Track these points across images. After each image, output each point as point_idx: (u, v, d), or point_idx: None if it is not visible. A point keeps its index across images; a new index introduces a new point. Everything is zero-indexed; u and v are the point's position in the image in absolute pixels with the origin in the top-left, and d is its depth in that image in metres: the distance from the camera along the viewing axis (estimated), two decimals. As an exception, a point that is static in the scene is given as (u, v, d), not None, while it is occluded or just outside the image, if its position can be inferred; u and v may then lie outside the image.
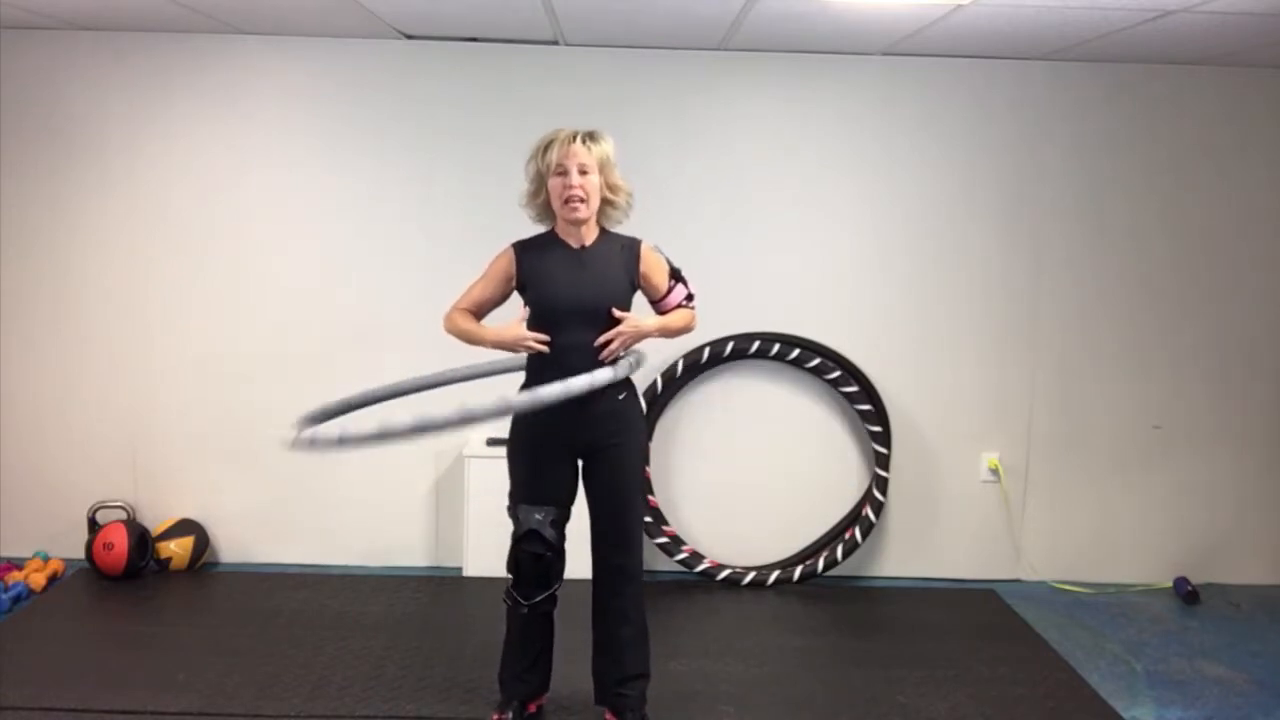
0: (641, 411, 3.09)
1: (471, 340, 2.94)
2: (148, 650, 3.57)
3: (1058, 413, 4.42)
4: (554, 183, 2.84)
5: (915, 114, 4.26)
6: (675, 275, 3.02)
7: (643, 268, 2.96)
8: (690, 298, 3.04)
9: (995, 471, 4.43)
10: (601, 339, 2.85)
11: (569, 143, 2.82)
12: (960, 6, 3.32)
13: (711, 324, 4.22)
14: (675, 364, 4.26)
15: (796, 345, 4.30)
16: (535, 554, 2.90)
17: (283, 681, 3.36)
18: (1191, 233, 4.34)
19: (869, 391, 4.32)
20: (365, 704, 3.23)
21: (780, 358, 4.31)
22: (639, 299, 3.02)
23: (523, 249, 2.95)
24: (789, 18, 3.59)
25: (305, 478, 4.38)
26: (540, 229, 3.01)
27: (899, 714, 3.27)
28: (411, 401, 3.20)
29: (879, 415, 4.32)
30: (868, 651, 3.73)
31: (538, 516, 2.90)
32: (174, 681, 3.32)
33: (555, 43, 4.15)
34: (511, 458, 3.01)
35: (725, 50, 4.20)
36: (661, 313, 3.02)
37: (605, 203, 2.92)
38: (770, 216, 4.31)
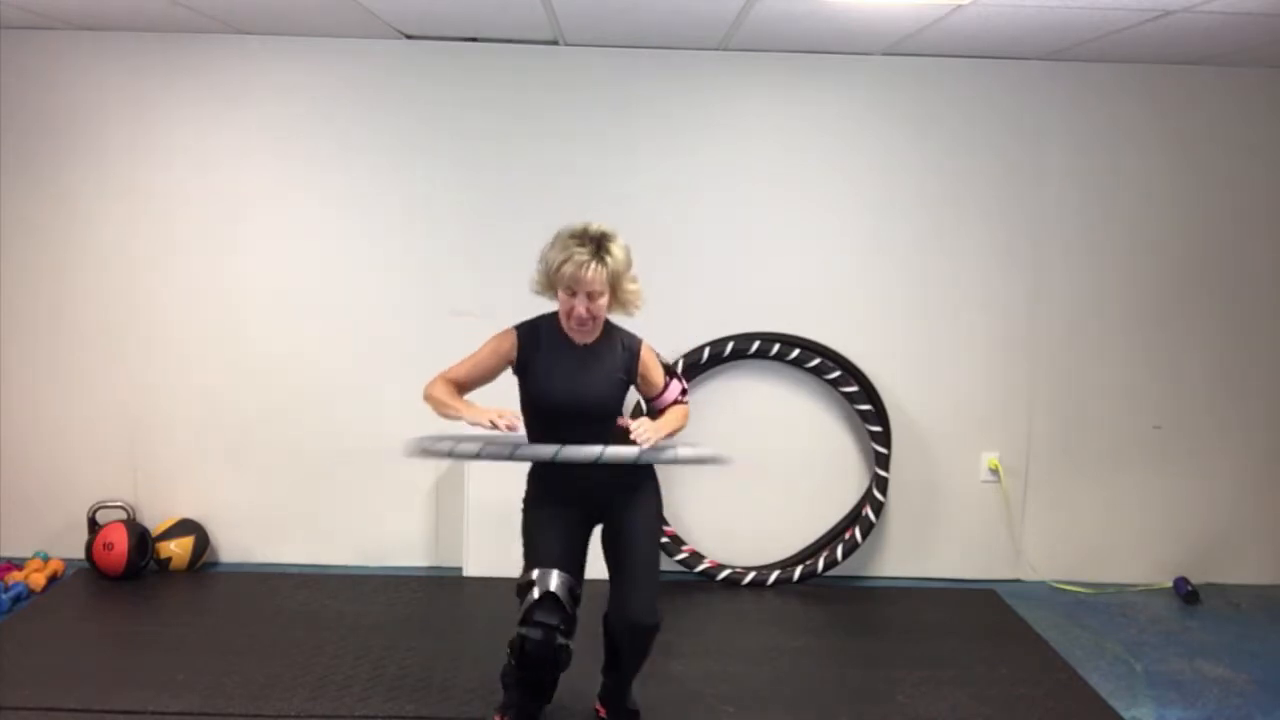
0: (655, 473, 3.02)
1: (447, 413, 2.80)
2: (148, 650, 3.57)
3: (1058, 413, 4.41)
4: (563, 298, 2.78)
5: (915, 114, 4.26)
6: (669, 371, 3.02)
7: (641, 369, 2.93)
8: (684, 392, 3.01)
9: (995, 471, 4.43)
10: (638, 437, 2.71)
11: (583, 269, 2.70)
12: (960, 6, 3.32)
13: (711, 324, 4.23)
14: (675, 364, 4.26)
15: (796, 345, 4.30)
16: (548, 627, 2.72)
17: (283, 681, 3.36)
18: (1192, 232, 4.34)
19: (869, 391, 4.32)
20: (365, 704, 3.23)
21: (780, 358, 4.31)
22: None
23: (525, 334, 2.89)
24: (789, 18, 3.59)
25: (305, 478, 4.38)
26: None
27: (899, 714, 3.27)
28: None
29: (879, 415, 4.31)
30: (868, 651, 3.73)
31: (556, 580, 2.75)
32: (174, 681, 3.32)
33: (555, 43, 4.15)
34: (527, 521, 2.92)
35: (725, 50, 4.20)
36: (658, 408, 2.96)
37: (614, 303, 2.84)
38: (770, 216, 4.31)
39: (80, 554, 4.26)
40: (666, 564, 4.36)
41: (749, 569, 4.36)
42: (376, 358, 4.32)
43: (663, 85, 4.22)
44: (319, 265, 4.30)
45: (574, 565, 2.86)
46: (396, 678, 3.41)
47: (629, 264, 2.81)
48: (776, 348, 4.29)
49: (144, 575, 4.20)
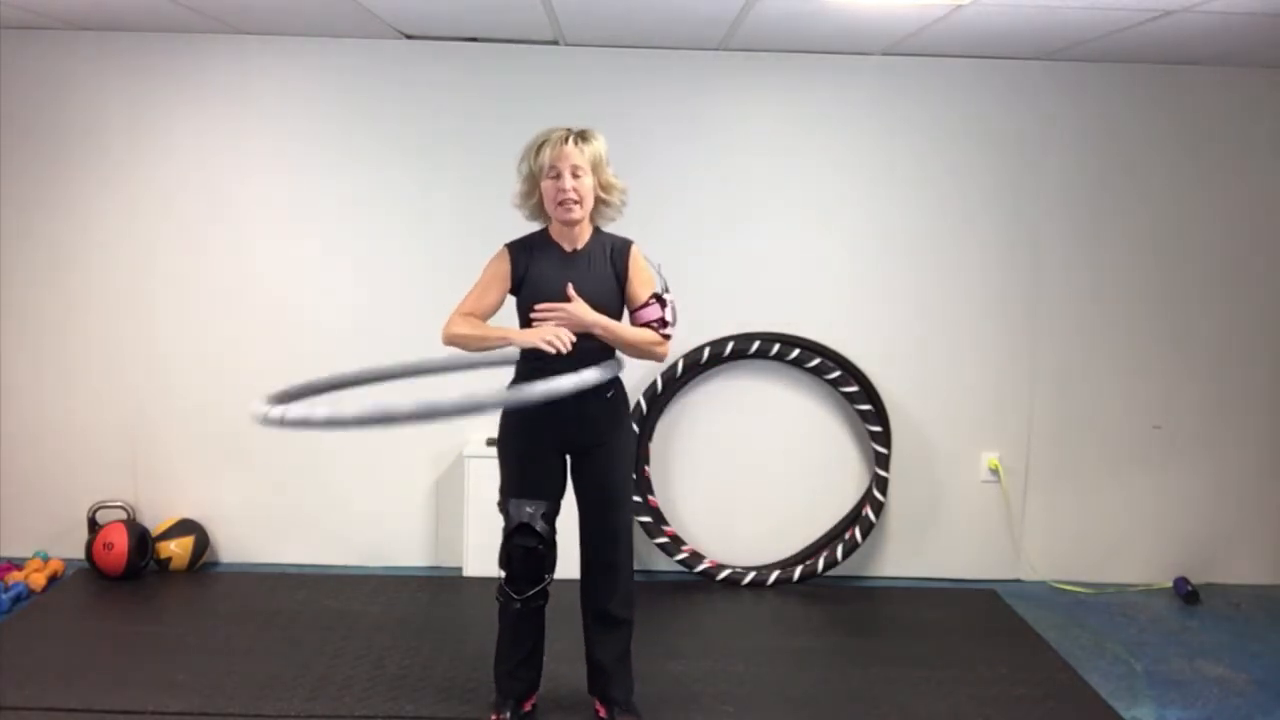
0: (629, 410, 3.09)
1: (484, 344, 2.85)
2: (148, 650, 3.57)
3: (1058, 413, 4.41)
4: (547, 185, 2.84)
5: (915, 114, 4.26)
6: (657, 296, 2.93)
7: (631, 269, 2.94)
8: (663, 323, 2.91)
9: (995, 471, 4.43)
10: (540, 306, 2.82)
11: (561, 144, 2.80)
12: (960, 6, 3.32)
13: (711, 324, 4.23)
14: (675, 364, 4.26)
15: (796, 345, 4.30)
16: (527, 547, 2.90)
17: (283, 681, 3.36)
18: (1191, 232, 4.34)
19: (869, 391, 4.32)
20: (365, 704, 3.23)
21: (780, 358, 4.31)
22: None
23: (517, 249, 2.95)
24: (789, 18, 3.59)
25: (305, 478, 4.38)
26: (533, 227, 3.01)
27: (899, 714, 3.27)
28: (387, 390, 3.22)
29: (879, 415, 4.31)
30: (868, 651, 3.73)
31: (529, 510, 2.91)
32: (174, 681, 3.32)
33: (555, 43, 4.15)
34: (502, 453, 3.02)
35: (725, 50, 4.20)
36: (634, 325, 2.95)
37: (599, 201, 2.91)
38: (770, 216, 4.31)
39: (80, 554, 4.26)
40: (666, 564, 4.38)
41: (749, 569, 4.36)
42: (375, 357, 4.31)
43: (663, 85, 4.22)
44: (319, 265, 4.30)
45: (547, 490, 2.96)
46: (396, 678, 3.41)
47: (607, 156, 2.88)
48: (776, 348, 4.29)
49: (144, 575, 4.20)
